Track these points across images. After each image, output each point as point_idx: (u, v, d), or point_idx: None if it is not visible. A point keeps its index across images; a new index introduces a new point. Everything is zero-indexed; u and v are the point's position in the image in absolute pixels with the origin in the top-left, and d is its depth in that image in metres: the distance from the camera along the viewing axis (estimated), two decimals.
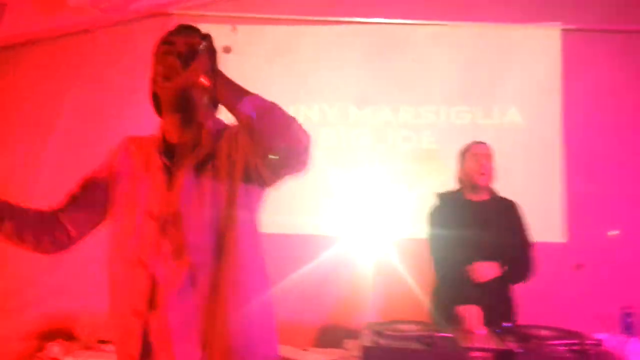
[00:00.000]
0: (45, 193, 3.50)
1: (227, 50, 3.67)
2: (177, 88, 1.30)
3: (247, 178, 1.31)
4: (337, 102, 3.62)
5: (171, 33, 1.37)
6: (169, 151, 1.38)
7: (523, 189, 3.41)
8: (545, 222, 3.34)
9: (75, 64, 3.68)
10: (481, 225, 2.53)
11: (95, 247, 3.53)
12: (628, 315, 2.26)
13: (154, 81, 1.36)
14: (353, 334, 2.41)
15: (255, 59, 3.64)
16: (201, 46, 1.28)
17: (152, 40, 3.94)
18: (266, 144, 1.16)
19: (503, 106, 3.55)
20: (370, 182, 3.42)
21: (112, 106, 3.60)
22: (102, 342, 2.68)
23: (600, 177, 3.35)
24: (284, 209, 2.98)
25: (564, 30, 3.54)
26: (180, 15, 3.68)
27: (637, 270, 3.17)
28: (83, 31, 3.69)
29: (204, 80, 1.24)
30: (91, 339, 2.65)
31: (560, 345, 2.01)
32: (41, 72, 3.73)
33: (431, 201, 2.70)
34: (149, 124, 3.56)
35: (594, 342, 2.02)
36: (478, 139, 2.74)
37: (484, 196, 2.65)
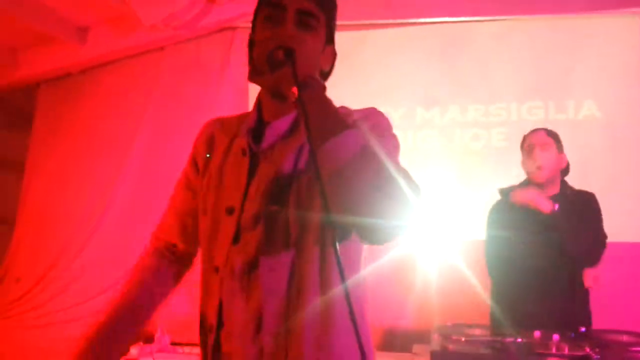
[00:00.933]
0: (124, 209, 3.77)
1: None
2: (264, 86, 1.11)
3: None
4: (402, 104, 3.60)
5: None
6: (259, 132, 1.12)
7: (603, 187, 3.24)
8: (629, 221, 3.15)
9: (149, 81, 3.89)
10: (546, 222, 2.23)
11: None
12: None
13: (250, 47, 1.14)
14: (422, 338, 2.38)
15: None
16: (315, 26, 1.07)
17: (222, 54, 4.11)
18: (339, 210, 0.89)
19: (578, 100, 3.39)
20: (439, 184, 3.36)
21: (186, 120, 3.78)
22: (176, 344, 2.80)
23: None
24: None
25: None
26: (247, 29, 3.80)
27: None
28: (157, 49, 3.90)
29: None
30: (167, 341, 2.79)
31: None
32: (117, 90, 3.98)
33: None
34: None
35: None
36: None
37: (552, 190, 2.33)
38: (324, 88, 0.99)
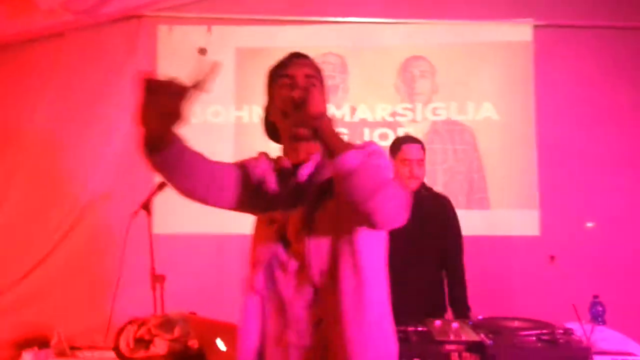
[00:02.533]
0: (21, 198, 3.53)
1: (202, 52, 3.68)
2: (295, 124, 1.37)
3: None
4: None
5: (286, 63, 1.47)
6: (286, 174, 1.48)
7: (499, 183, 3.48)
8: (520, 216, 3.41)
9: (47, 68, 3.65)
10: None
11: (68, 257, 3.53)
12: (596, 304, 2.32)
13: (269, 111, 1.50)
14: None
15: (230, 60, 3.65)
16: (317, 84, 1.39)
17: (126, 42, 3.93)
18: (354, 204, 1.21)
19: (478, 102, 3.60)
20: None
21: (85, 110, 3.58)
22: (74, 348, 2.69)
23: (572, 170, 3.42)
24: None
25: (535, 26, 3.59)
26: (154, 18, 3.67)
27: (606, 261, 3.24)
28: (55, 35, 3.65)
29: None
30: (65, 346, 2.66)
31: (530, 335, 2.05)
32: (12, 77, 3.69)
33: None
34: (121, 127, 3.55)
35: (563, 331, 2.07)
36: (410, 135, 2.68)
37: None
38: (332, 121, 1.29)
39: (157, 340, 2.18)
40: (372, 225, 1.24)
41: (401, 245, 2.37)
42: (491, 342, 1.99)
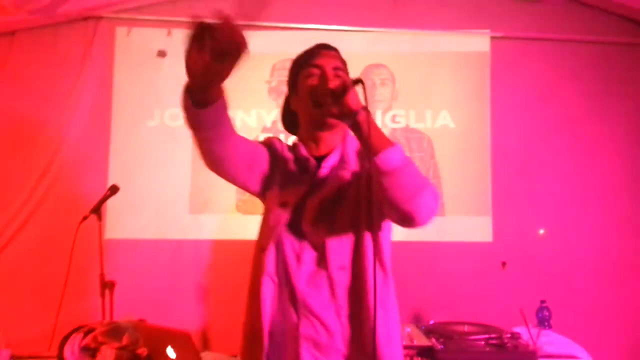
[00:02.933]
0: None
1: (162, 54, 3.63)
2: (326, 116, 1.33)
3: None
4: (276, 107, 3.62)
5: (314, 53, 1.47)
6: (304, 162, 1.44)
7: (454, 191, 3.53)
8: (474, 223, 3.47)
9: None
10: None
11: (13, 262, 3.40)
12: (543, 309, 2.38)
13: (290, 100, 1.49)
14: None
15: None
16: (354, 80, 1.28)
17: (83, 44, 3.83)
18: (392, 204, 1.20)
19: (436, 110, 3.66)
20: None
21: (39, 110, 3.47)
22: (17, 357, 2.61)
23: (525, 178, 3.50)
24: None
25: (493, 37, 3.67)
26: (112, 20, 3.60)
27: (554, 267, 3.33)
28: (7, 33, 3.54)
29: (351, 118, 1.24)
30: (7, 355, 2.57)
31: (479, 340, 2.09)
32: None
33: None
34: (73, 130, 3.46)
35: (511, 335, 2.12)
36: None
37: None
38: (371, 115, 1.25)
39: (103, 349, 2.12)
40: (410, 223, 1.23)
41: None
42: (442, 346, 2.02)
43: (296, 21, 3.63)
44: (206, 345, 3.15)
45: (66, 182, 3.36)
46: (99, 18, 3.59)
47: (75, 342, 2.16)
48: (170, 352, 2.10)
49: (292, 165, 1.44)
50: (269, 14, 3.57)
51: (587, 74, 3.63)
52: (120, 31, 3.63)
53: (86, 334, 2.17)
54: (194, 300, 3.24)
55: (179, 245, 3.37)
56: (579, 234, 3.45)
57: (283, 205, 1.38)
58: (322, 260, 1.32)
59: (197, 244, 3.37)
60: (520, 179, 3.50)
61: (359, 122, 1.20)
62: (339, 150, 1.43)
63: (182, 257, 3.34)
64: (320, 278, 1.31)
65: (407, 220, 1.22)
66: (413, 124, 3.66)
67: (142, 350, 2.18)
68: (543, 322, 2.35)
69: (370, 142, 1.19)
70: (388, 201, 1.20)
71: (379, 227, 1.35)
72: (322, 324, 1.29)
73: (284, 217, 1.36)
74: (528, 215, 3.44)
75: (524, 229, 3.39)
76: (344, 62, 1.47)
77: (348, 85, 1.22)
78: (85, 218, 2.54)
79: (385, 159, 1.17)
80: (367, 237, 1.32)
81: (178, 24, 3.59)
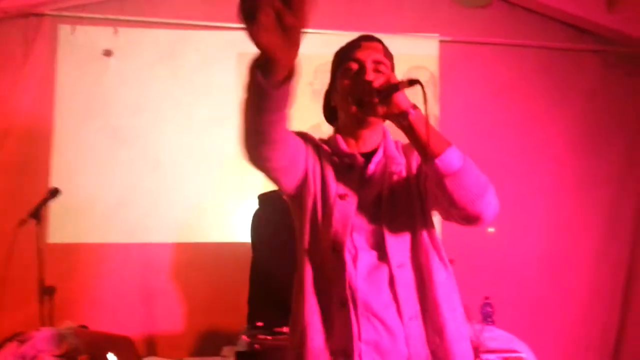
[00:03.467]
0: None
1: (108, 53, 3.54)
2: (370, 116, 1.27)
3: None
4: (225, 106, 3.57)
5: (354, 46, 1.36)
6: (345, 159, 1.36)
7: None
8: None
9: None
10: None
11: None
12: (486, 305, 2.44)
13: (330, 96, 1.41)
14: (232, 341, 2.40)
15: (137, 63, 3.52)
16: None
17: (23, 41, 3.69)
18: (457, 206, 1.16)
19: None
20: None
21: None
22: None
23: None
24: None
25: (441, 41, 3.75)
26: (55, 17, 3.48)
27: (498, 264, 3.42)
28: None
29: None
30: None
31: None
32: None
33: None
34: (14, 130, 3.34)
35: None
36: None
37: None
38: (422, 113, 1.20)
39: (42, 357, 2.05)
40: (476, 222, 1.19)
41: None
42: None
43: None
44: (151, 350, 3.09)
45: (6, 186, 3.23)
46: (41, 15, 3.47)
47: (11, 350, 2.08)
48: (111, 357, 2.05)
49: (336, 160, 1.36)
50: (219, 13, 3.54)
51: (533, 77, 3.77)
52: (64, 29, 3.52)
53: (22, 342, 2.10)
54: (140, 305, 3.17)
55: (124, 249, 3.29)
56: (523, 233, 3.56)
57: (342, 197, 1.29)
58: (381, 259, 1.26)
59: (143, 247, 3.30)
60: None
61: (411, 123, 1.16)
62: (382, 148, 1.38)
63: (127, 261, 3.25)
64: (380, 278, 1.25)
65: (473, 220, 1.19)
66: None
67: (83, 358, 2.12)
68: (486, 318, 2.42)
69: (429, 144, 1.14)
70: (453, 203, 1.15)
71: (432, 223, 1.32)
72: (384, 325, 1.23)
73: (351, 208, 1.28)
74: None
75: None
76: (388, 55, 1.39)
77: (396, 83, 1.16)
78: (23, 222, 2.45)
79: (446, 161, 1.14)
80: (424, 233, 1.29)
81: (125, 23, 3.52)
